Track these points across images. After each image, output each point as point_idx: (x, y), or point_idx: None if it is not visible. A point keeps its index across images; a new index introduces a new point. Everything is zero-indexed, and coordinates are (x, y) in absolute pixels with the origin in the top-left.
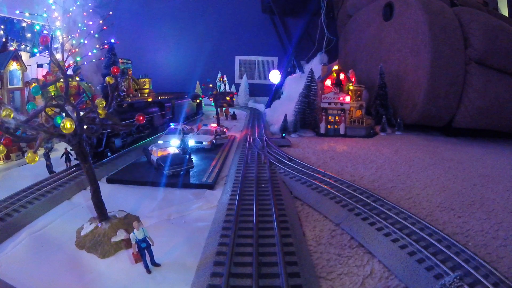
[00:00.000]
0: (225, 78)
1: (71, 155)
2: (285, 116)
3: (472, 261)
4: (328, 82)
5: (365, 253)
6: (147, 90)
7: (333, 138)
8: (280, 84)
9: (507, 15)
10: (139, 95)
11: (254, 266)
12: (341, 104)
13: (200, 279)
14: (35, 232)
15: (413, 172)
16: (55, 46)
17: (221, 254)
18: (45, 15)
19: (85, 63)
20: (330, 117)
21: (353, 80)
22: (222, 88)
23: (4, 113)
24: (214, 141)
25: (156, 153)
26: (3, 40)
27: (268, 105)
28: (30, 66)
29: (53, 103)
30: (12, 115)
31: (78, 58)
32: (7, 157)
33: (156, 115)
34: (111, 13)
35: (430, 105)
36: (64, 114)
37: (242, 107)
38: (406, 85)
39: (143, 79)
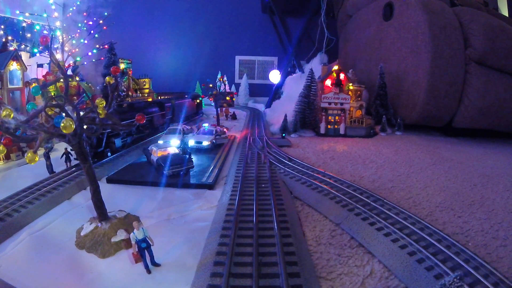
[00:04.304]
0: (225, 78)
1: (71, 155)
2: (285, 116)
3: (472, 261)
4: (328, 82)
5: (365, 253)
6: (147, 90)
7: (333, 138)
8: (280, 84)
9: (507, 15)
10: (139, 95)
11: (254, 266)
12: (341, 104)
13: (200, 279)
14: (35, 232)
15: (413, 172)
16: (55, 46)
17: (221, 254)
18: (45, 15)
19: (85, 63)
20: (330, 117)
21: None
22: (222, 88)
23: (4, 113)
24: (214, 141)
25: (156, 153)
26: (3, 40)
27: (268, 105)
28: (30, 66)
29: (53, 103)
30: (12, 115)
31: (78, 58)
32: (7, 157)
33: (156, 115)
34: (109, 13)
35: (430, 105)
36: (64, 114)
37: (242, 107)
38: (406, 85)
39: (143, 79)
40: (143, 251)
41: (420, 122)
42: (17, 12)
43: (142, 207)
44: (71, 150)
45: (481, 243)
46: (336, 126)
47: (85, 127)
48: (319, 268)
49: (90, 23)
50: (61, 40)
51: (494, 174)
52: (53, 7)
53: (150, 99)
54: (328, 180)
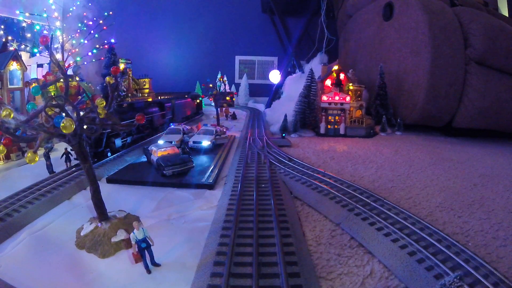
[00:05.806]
0: (225, 78)
1: (71, 155)
2: (285, 116)
3: (472, 261)
4: (328, 82)
5: (365, 253)
6: (147, 90)
7: (333, 138)
8: (280, 84)
9: (507, 15)
10: (139, 95)
11: (254, 266)
12: (341, 104)
13: (200, 279)
14: (35, 232)
15: (413, 172)
16: (55, 46)
17: (221, 254)
18: (45, 15)
19: (85, 63)
20: (330, 117)
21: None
22: (222, 88)
23: (4, 113)
24: (214, 141)
25: (156, 153)
26: (3, 40)
27: (268, 105)
28: (30, 66)
29: (53, 103)
30: (12, 115)
31: (78, 58)
32: (7, 157)
33: (156, 115)
34: (111, 13)
35: (430, 105)
36: (64, 114)
37: (242, 107)
38: (406, 85)
39: (143, 79)
40: (143, 251)
41: (420, 122)
42: (17, 12)
43: (142, 207)
44: (71, 150)
45: (481, 243)
46: (336, 126)
47: (85, 127)
48: (319, 268)
49: (90, 23)
50: (61, 40)
51: (494, 174)
52: (53, 7)
53: (150, 99)
54: (328, 180)
